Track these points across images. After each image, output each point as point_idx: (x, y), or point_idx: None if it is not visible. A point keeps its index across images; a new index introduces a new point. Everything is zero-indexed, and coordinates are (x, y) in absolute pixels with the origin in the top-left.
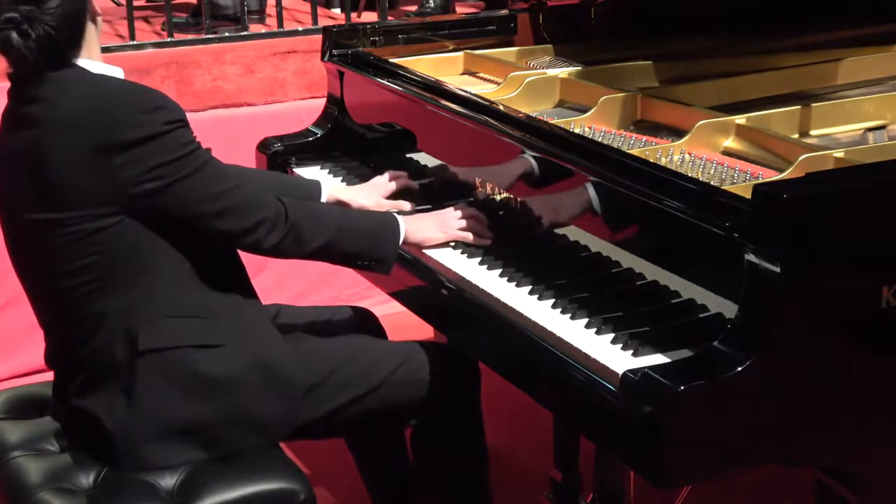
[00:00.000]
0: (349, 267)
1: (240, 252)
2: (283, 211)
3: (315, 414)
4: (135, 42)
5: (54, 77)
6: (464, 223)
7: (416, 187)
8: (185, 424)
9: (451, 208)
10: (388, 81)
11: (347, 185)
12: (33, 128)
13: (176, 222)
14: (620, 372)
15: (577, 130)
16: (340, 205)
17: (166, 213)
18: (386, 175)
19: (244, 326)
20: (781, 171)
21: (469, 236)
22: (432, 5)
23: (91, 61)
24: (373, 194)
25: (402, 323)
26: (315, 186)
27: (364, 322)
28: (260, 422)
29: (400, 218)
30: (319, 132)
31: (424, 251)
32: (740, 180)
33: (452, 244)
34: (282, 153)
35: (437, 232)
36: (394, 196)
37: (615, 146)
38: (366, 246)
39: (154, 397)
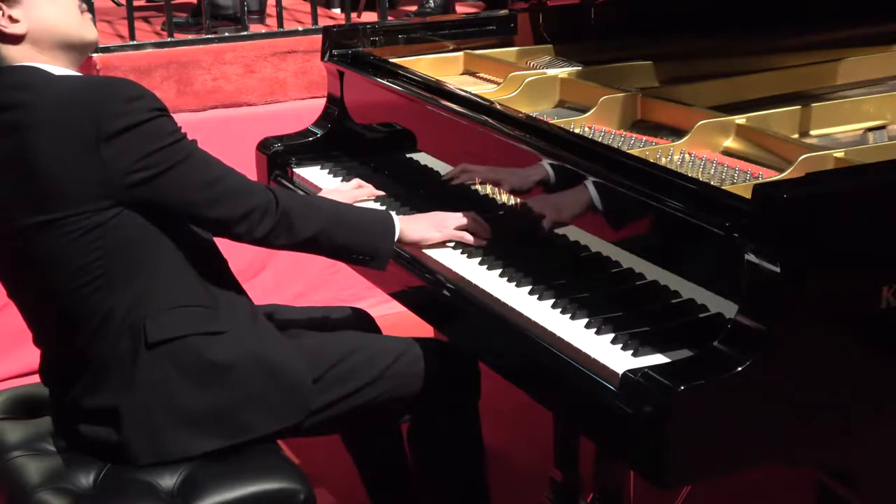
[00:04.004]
0: (343, 261)
1: (240, 251)
2: (273, 198)
3: (315, 406)
4: (135, 42)
5: (21, 82)
6: (462, 222)
7: (377, 201)
8: (202, 412)
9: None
10: (388, 81)
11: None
12: (14, 134)
13: (170, 212)
14: (620, 372)
15: (577, 130)
16: None
17: (160, 203)
18: (353, 182)
19: (241, 314)
20: (781, 171)
21: (466, 236)
22: (432, 5)
23: (52, 66)
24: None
25: (401, 323)
26: None
27: (360, 321)
28: (274, 404)
29: (395, 216)
30: (319, 132)
31: (424, 251)
32: (740, 180)
33: (452, 244)
34: (282, 153)
35: (434, 231)
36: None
37: (615, 146)
38: (359, 239)
39: (168, 388)
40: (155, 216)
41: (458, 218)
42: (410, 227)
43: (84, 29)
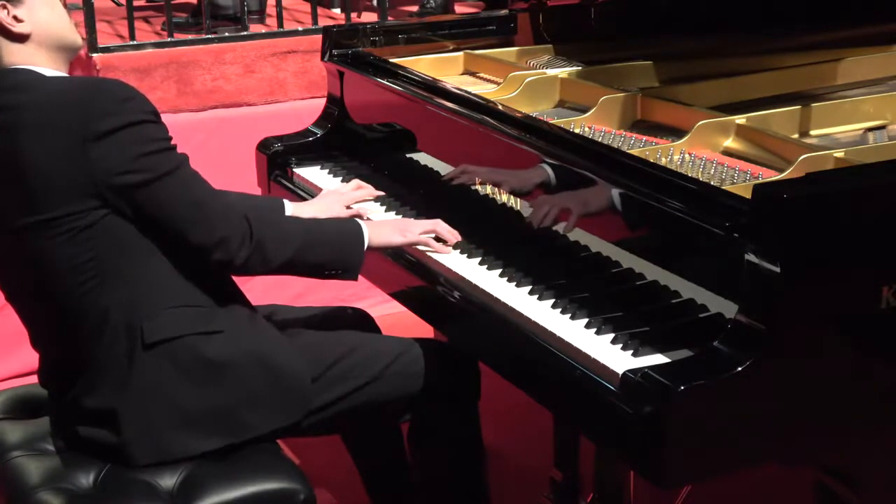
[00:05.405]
0: (316, 277)
1: None
2: (248, 229)
3: (314, 405)
4: (135, 42)
5: (15, 84)
6: (427, 228)
7: (377, 201)
8: (200, 411)
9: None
10: (388, 81)
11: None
12: (7, 135)
13: (152, 224)
14: (620, 372)
15: (577, 130)
16: None
17: (143, 213)
18: (353, 183)
19: (239, 315)
20: (781, 171)
21: (429, 241)
22: (432, 5)
23: (47, 68)
24: (334, 206)
25: (401, 323)
26: (278, 206)
27: (360, 321)
28: (273, 403)
29: (363, 224)
30: (319, 132)
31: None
32: (740, 180)
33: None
34: (282, 153)
35: (398, 236)
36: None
37: (615, 146)
38: (331, 257)
39: (166, 388)
40: (140, 224)
41: (423, 224)
42: (376, 232)
43: (75, 33)
